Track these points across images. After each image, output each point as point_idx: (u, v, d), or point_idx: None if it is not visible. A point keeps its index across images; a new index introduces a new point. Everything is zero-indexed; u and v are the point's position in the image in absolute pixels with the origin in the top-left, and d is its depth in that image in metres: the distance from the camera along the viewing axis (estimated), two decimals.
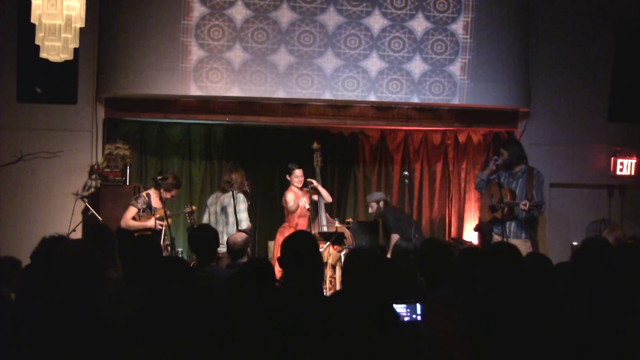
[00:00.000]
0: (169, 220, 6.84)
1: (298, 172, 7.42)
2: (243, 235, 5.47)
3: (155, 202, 6.94)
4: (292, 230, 6.82)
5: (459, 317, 2.86)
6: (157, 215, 6.86)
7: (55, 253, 3.09)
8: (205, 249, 4.85)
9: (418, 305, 2.71)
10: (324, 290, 6.52)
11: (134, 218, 6.87)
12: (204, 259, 4.83)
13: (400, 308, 2.70)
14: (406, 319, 2.69)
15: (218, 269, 4.88)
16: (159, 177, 6.89)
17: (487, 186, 7.11)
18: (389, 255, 7.22)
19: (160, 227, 6.82)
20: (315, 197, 7.43)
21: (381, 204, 7.71)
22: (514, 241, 6.73)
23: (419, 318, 2.68)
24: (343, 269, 3.37)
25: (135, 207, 6.90)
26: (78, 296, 2.89)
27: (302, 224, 7.26)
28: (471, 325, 2.73)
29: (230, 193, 7.02)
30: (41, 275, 3.19)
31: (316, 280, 3.60)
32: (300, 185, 7.39)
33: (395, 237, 7.30)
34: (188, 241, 4.99)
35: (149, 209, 6.92)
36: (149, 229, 6.80)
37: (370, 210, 7.81)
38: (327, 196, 7.49)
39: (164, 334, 2.81)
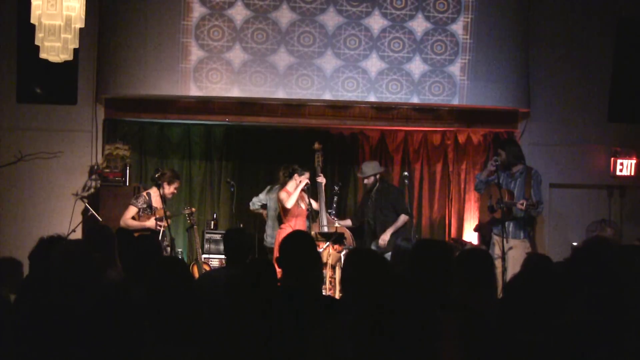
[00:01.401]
0: (169, 220, 6.83)
1: (307, 175, 7.38)
2: None
3: (156, 202, 6.93)
4: (290, 230, 6.82)
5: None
6: (157, 216, 6.85)
7: (52, 254, 3.09)
8: (237, 252, 4.74)
9: None
10: (324, 291, 6.52)
11: (133, 218, 6.87)
12: (234, 262, 4.72)
13: None
14: None
15: None
16: (157, 175, 6.90)
17: (487, 187, 7.11)
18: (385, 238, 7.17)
19: (159, 228, 6.79)
20: (315, 205, 7.41)
21: (377, 177, 7.46)
22: (513, 241, 6.74)
23: None
24: (342, 269, 3.36)
25: (136, 206, 6.89)
26: (75, 297, 2.89)
27: (300, 223, 7.25)
28: (467, 326, 2.72)
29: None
30: (40, 276, 3.19)
31: (314, 279, 3.60)
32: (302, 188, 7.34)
33: (404, 219, 7.25)
34: (223, 241, 4.91)
35: (149, 209, 6.91)
36: (148, 229, 6.79)
37: (365, 181, 7.53)
38: (315, 205, 7.47)
39: (163, 333, 2.81)
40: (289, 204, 7.24)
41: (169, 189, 6.93)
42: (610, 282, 3.17)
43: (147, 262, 3.91)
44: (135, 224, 6.82)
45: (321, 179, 7.37)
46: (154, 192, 6.97)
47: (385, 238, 7.23)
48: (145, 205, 6.90)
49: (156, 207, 6.89)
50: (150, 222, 6.81)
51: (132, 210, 6.88)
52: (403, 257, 5.02)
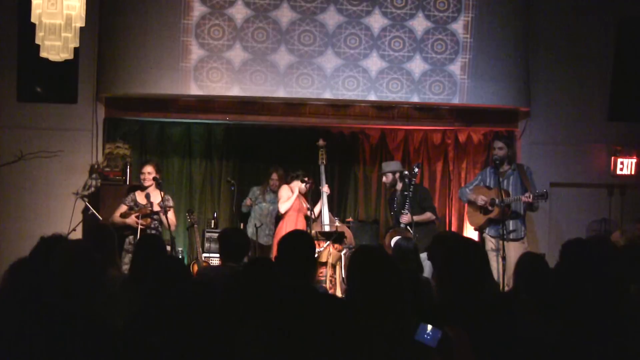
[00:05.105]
0: (148, 220, 6.70)
1: (310, 184, 7.38)
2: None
3: (141, 199, 6.85)
4: (291, 227, 6.84)
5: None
6: (137, 214, 6.80)
7: (54, 253, 3.09)
8: (234, 252, 4.69)
9: (438, 332, 2.53)
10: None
11: (122, 215, 6.84)
12: (230, 261, 4.67)
13: (422, 328, 2.54)
14: (423, 339, 2.51)
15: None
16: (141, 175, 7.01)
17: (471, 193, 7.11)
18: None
19: (136, 225, 6.67)
20: (316, 212, 7.41)
21: (397, 175, 7.28)
22: (513, 243, 6.72)
23: (433, 344, 2.51)
24: (348, 267, 3.35)
25: (124, 204, 6.89)
26: (77, 297, 2.89)
27: (300, 219, 7.26)
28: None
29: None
30: (39, 275, 3.18)
31: (310, 277, 3.59)
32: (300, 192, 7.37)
33: (429, 215, 7.13)
34: (219, 240, 4.90)
35: (136, 207, 6.90)
36: (130, 226, 6.71)
37: (384, 179, 7.38)
38: (317, 211, 7.46)
39: (164, 333, 2.81)
40: (283, 209, 7.28)
41: (149, 170, 6.90)
42: (601, 280, 3.17)
43: (149, 261, 3.93)
44: (118, 220, 6.79)
45: (326, 189, 7.37)
46: (138, 191, 6.96)
47: (407, 218, 6.94)
48: (132, 203, 6.90)
49: (141, 205, 6.83)
50: (130, 220, 6.75)
51: (121, 208, 6.87)
52: (403, 256, 5.04)
